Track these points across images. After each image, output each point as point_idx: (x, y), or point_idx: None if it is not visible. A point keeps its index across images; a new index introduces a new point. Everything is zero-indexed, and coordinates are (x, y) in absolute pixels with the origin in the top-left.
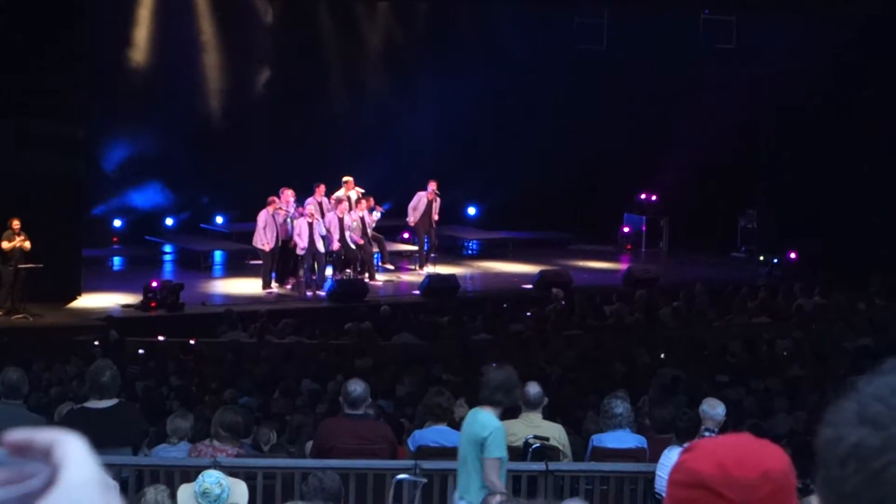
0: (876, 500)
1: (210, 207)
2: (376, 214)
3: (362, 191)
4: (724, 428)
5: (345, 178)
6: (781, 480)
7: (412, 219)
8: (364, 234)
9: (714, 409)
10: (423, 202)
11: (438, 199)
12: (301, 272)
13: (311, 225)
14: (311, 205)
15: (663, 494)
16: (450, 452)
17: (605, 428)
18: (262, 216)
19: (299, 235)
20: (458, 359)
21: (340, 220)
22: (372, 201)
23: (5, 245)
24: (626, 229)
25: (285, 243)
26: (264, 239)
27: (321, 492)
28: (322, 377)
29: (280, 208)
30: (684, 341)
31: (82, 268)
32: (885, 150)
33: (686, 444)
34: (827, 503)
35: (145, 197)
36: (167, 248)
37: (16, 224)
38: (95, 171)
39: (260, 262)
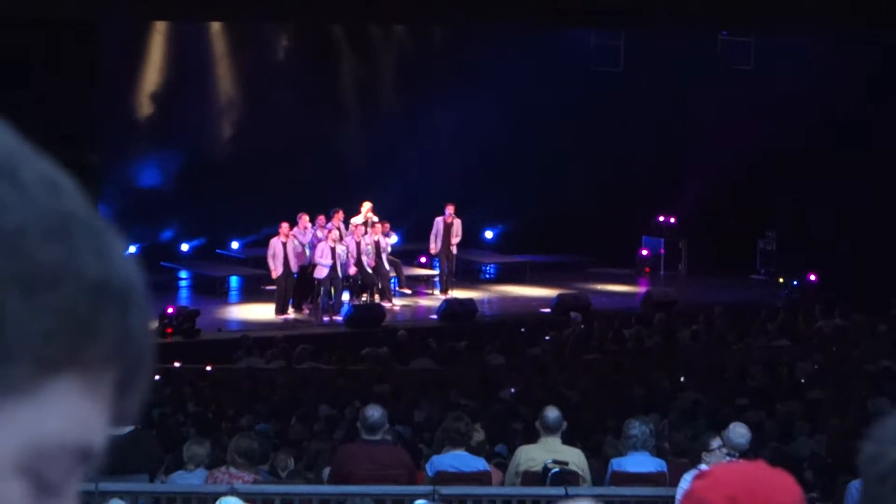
0: None
1: (225, 233)
2: (392, 238)
3: (376, 218)
4: (745, 452)
5: (365, 203)
6: None
7: (433, 247)
8: (378, 257)
9: (738, 437)
10: (440, 227)
11: (458, 221)
12: (318, 298)
13: (333, 249)
14: (333, 229)
15: None
16: (468, 478)
17: (623, 449)
18: (272, 244)
19: (321, 257)
20: (476, 383)
21: (357, 245)
22: (387, 226)
23: None
24: (644, 252)
25: (304, 269)
26: (271, 266)
27: None
28: (339, 403)
29: (289, 235)
30: (704, 365)
31: None
32: None
33: (697, 470)
34: None
35: (159, 223)
36: (183, 274)
37: None
38: (108, 198)
39: (275, 287)
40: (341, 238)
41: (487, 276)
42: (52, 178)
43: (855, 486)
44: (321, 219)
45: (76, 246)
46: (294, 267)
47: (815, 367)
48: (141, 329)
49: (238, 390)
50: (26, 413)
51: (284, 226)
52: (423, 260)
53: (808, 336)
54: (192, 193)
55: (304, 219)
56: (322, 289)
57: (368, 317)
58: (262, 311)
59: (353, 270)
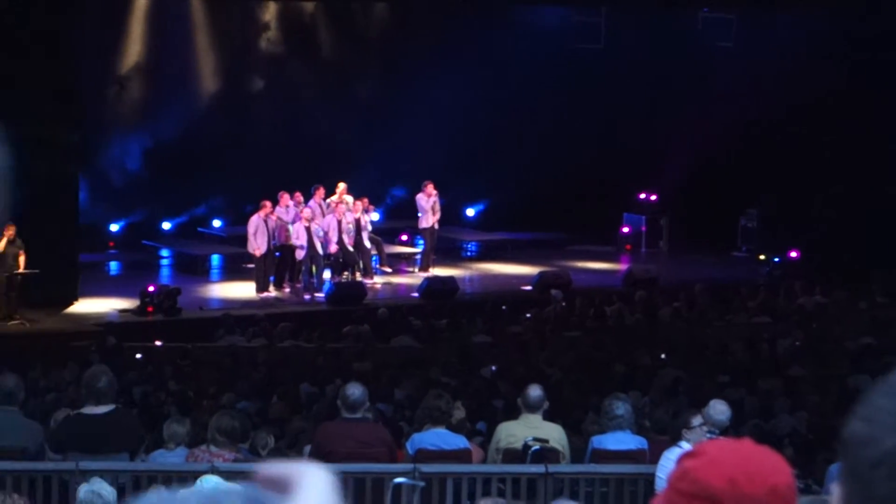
0: None
1: (207, 211)
2: (374, 216)
3: (350, 199)
4: (726, 430)
5: (340, 184)
6: (787, 497)
7: (425, 222)
8: (359, 235)
9: (719, 413)
10: (423, 204)
11: (436, 200)
12: (299, 276)
13: (308, 229)
14: (308, 208)
15: None
16: (448, 456)
17: (606, 429)
18: (254, 221)
19: (297, 239)
20: (457, 361)
21: (339, 223)
22: (367, 201)
23: None
24: (625, 229)
25: (286, 247)
26: (255, 244)
27: None
28: (320, 381)
29: (271, 213)
30: (685, 342)
31: (79, 273)
32: (886, 148)
33: (687, 447)
34: (849, 495)
35: (141, 201)
36: (164, 253)
37: (10, 232)
38: (91, 176)
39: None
40: (323, 214)
41: (469, 253)
42: None
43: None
44: (298, 196)
45: None
46: (276, 243)
47: (796, 343)
48: None
49: (219, 369)
50: None
51: (268, 204)
52: (404, 238)
53: (789, 313)
54: (173, 171)
55: (286, 197)
56: (304, 267)
57: (349, 295)
58: (244, 290)
59: (334, 248)
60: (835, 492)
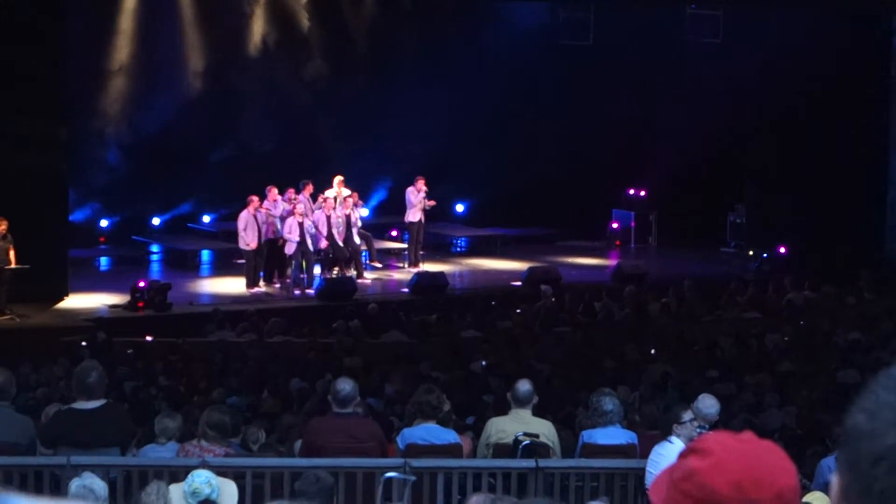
0: None
1: (196, 207)
2: (363, 211)
3: (347, 191)
4: (715, 424)
5: (337, 177)
6: (792, 501)
7: (412, 217)
8: (349, 231)
9: (708, 407)
10: (413, 198)
11: (424, 196)
12: (288, 271)
13: (301, 224)
14: (300, 203)
15: None
16: (438, 450)
17: (596, 425)
18: (243, 217)
19: (290, 233)
20: (447, 356)
21: (328, 218)
22: (357, 196)
23: None
24: (614, 225)
25: (273, 242)
26: (247, 239)
27: (316, 483)
28: (311, 376)
29: (260, 207)
30: (674, 337)
31: (69, 268)
32: (872, 145)
33: (678, 442)
34: (848, 487)
35: (130, 197)
36: (154, 248)
37: (1, 227)
38: (81, 172)
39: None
40: (312, 211)
41: (458, 249)
42: None
43: (827, 463)
44: (290, 192)
45: None
46: (263, 238)
47: (785, 339)
48: None
49: (209, 364)
50: None
51: (255, 198)
52: (394, 233)
53: (777, 308)
54: (162, 167)
55: (273, 191)
56: (294, 262)
57: (340, 290)
58: (234, 285)
59: (324, 244)
60: (833, 482)
